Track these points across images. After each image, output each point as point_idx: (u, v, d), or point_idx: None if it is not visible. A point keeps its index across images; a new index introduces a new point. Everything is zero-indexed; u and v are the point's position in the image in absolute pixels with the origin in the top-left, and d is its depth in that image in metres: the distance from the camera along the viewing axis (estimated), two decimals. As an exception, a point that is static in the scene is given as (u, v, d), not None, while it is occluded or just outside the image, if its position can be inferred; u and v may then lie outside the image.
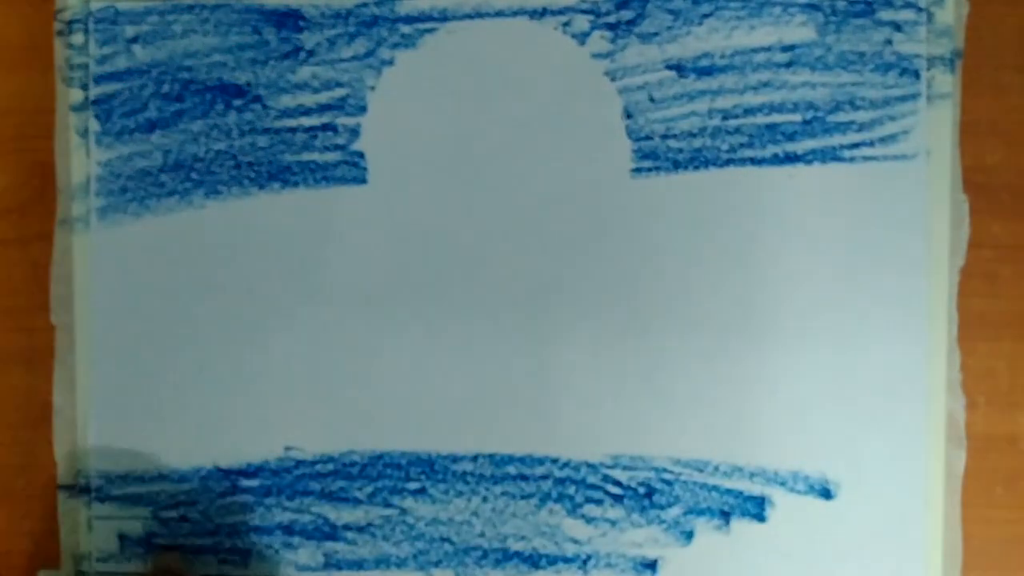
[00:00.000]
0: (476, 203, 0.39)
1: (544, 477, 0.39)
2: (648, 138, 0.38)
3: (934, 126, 0.38)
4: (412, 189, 0.39)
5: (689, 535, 0.38)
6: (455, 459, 0.39)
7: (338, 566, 0.39)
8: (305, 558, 0.39)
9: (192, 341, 0.39)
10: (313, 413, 0.39)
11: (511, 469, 0.39)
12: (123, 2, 0.39)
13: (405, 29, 0.39)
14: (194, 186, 0.39)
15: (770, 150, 0.38)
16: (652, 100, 0.38)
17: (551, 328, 0.38)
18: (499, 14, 0.38)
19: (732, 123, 0.38)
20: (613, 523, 0.39)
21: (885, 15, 0.38)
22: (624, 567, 0.39)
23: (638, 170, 0.38)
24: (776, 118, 0.38)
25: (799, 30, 0.38)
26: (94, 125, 0.39)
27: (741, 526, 0.38)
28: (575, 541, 0.39)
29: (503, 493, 0.39)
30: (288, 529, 0.39)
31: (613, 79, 0.38)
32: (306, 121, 0.39)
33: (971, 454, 0.38)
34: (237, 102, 0.39)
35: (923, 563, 0.38)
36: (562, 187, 0.38)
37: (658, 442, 0.38)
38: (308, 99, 0.39)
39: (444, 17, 0.38)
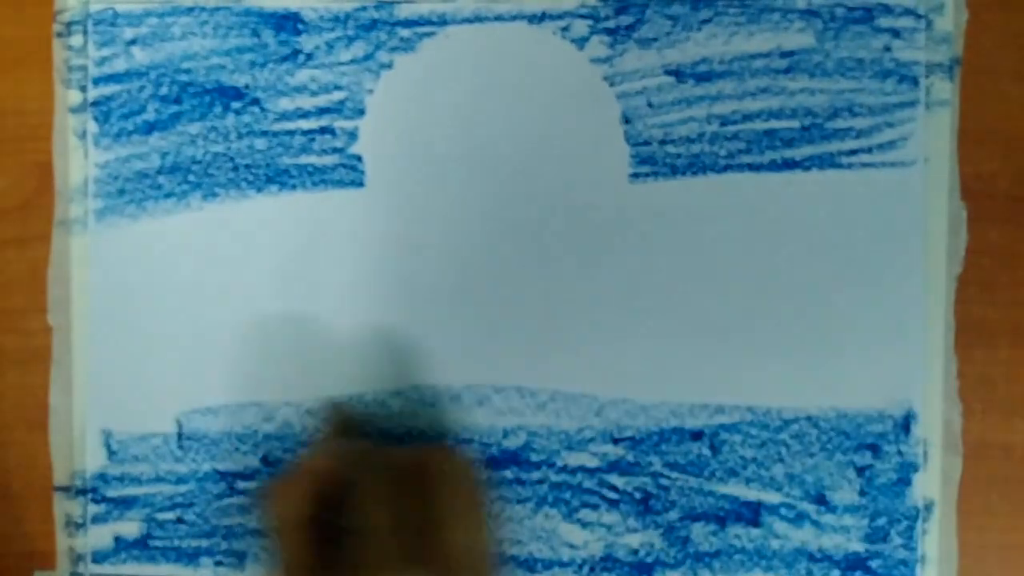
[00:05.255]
0: (474, 207, 0.39)
1: (540, 482, 0.39)
2: (646, 143, 0.38)
3: (932, 133, 0.38)
4: (409, 193, 0.39)
5: (685, 540, 0.38)
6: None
7: (334, 569, 0.39)
8: (301, 561, 0.39)
9: (189, 343, 0.39)
10: (312, 417, 0.39)
11: (508, 473, 0.39)
12: (122, 4, 0.39)
13: (404, 33, 0.38)
14: (192, 188, 0.39)
15: (768, 156, 0.38)
16: (651, 105, 0.38)
17: (549, 332, 0.38)
18: (498, 18, 0.38)
19: (730, 129, 0.38)
20: (609, 528, 0.39)
21: (884, 22, 0.38)
22: (620, 572, 0.38)
23: (636, 175, 0.38)
24: (775, 124, 0.38)
25: (798, 36, 0.38)
26: (92, 127, 0.39)
27: (736, 531, 0.38)
28: (571, 546, 0.39)
29: (499, 497, 0.39)
30: (284, 532, 0.39)
31: (612, 84, 0.38)
32: (304, 124, 0.39)
33: (968, 461, 0.38)
34: (235, 105, 0.39)
35: (918, 570, 0.38)
36: (560, 192, 0.38)
37: (654, 448, 0.38)
38: (306, 102, 0.39)
39: (443, 21, 0.38)
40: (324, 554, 0.32)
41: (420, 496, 0.32)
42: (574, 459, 0.39)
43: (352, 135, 0.39)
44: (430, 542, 0.32)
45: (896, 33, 0.38)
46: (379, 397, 0.39)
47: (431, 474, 0.33)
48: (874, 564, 0.38)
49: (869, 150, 0.38)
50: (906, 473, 0.38)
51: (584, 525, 0.39)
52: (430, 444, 0.37)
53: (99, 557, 0.39)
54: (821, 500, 0.38)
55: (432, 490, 0.33)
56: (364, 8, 0.39)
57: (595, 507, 0.39)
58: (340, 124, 0.39)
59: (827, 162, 0.38)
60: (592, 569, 0.39)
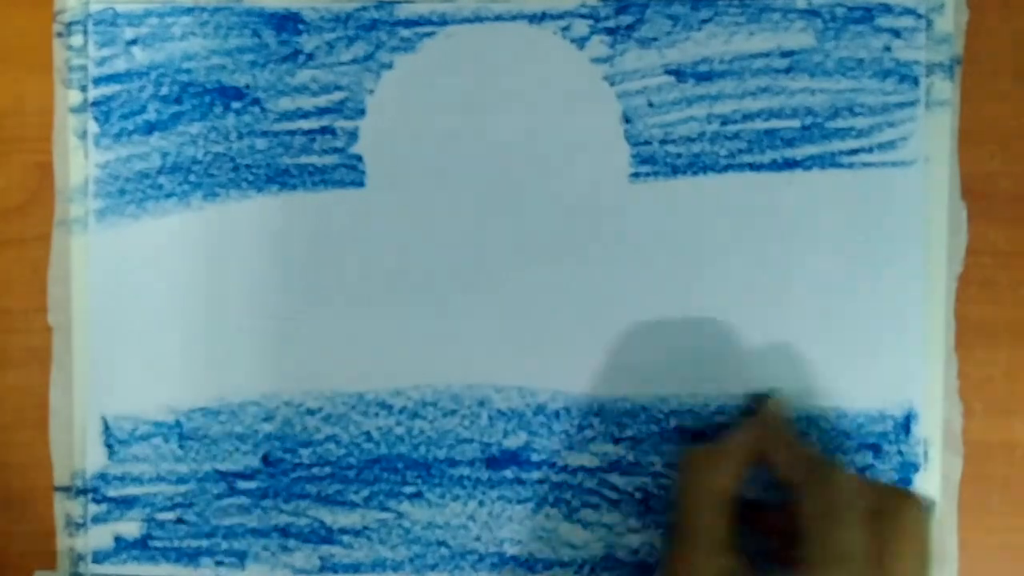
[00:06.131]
0: (474, 207, 0.39)
1: (541, 482, 0.39)
2: (647, 143, 0.38)
3: (933, 133, 0.38)
4: (410, 192, 0.39)
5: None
6: (452, 463, 0.39)
7: (334, 569, 0.39)
8: (301, 561, 0.39)
9: (189, 344, 0.39)
10: (312, 416, 0.39)
11: (508, 473, 0.39)
12: (122, 4, 0.39)
13: (404, 33, 0.39)
14: (192, 188, 0.39)
15: (769, 156, 0.38)
16: (651, 105, 0.38)
17: (549, 332, 0.38)
18: (498, 18, 0.38)
19: (731, 128, 0.38)
20: (610, 528, 0.39)
21: (884, 22, 0.38)
22: (621, 572, 0.38)
23: (636, 175, 0.38)
24: (775, 124, 0.38)
25: (798, 36, 0.38)
26: (93, 127, 0.39)
27: (737, 532, 0.38)
28: (572, 546, 0.39)
29: (499, 497, 0.39)
30: (284, 532, 0.39)
31: (612, 84, 0.38)
32: (305, 124, 0.39)
33: (968, 461, 0.38)
34: (236, 105, 0.39)
35: (919, 570, 0.38)
36: (560, 191, 0.38)
37: (654, 448, 0.38)
38: (307, 102, 0.39)
39: (443, 21, 0.38)
40: (739, 538, 0.33)
41: (875, 533, 0.32)
42: (574, 459, 0.39)
43: (352, 135, 0.39)
44: None
45: (896, 33, 0.38)
46: (379, 397, 0.39)
47: (893, 515, 0.32)
48: (874, 564, 0.38)
49: (869, 150, 0.38)
50: (906, 473, 0.38)
51: (585, 525, 0.39)
52: (891, 483, 0.37)
53: (99, 557, 0.39)
54: (821, 500, 0.38)
55: (891, 533, 0.32)
56: (364, 8, 0.39)
57: (596, 507, 0.39)
58: (340, 124, 0.39)
59: (827, 162, 0.38)
60: (593, 569, 0.39)
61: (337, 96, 0.39)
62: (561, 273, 0.38)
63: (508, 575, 0.39)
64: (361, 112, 0.39)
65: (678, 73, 0.38)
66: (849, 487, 0.32)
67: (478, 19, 0.38)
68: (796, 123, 0.38)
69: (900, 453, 0.38)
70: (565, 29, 0.38)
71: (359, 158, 0.39)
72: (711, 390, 0.38)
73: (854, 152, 0.38)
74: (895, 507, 0.32)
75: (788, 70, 0.38)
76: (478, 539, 0.39)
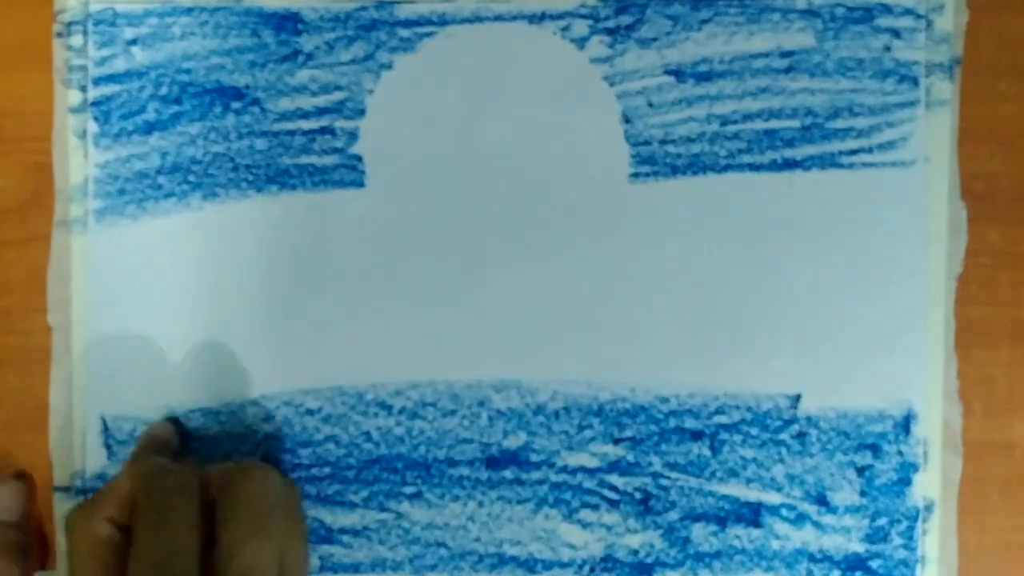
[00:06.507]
0: (474, 207, 0.39)
1: (540, 482, 0.39)
2: (646, 143, 0.38)
3: (933, 133, 0.38)
4: (410, 193, 0.39)
5: (685, 541, 0.38)
6: (452, 463, 0.39)
7: (334, 569, 0.39)
8: (301, 561, 0.39)
9: (189, 344, 0.39)
10: (311, 417, 0.39)
11: (507, 474, 0.39)
12: (122, 4, 0.39)
13: (404, 33, 0.39)
14: (192, 188, 0.39)
15: (768, 156, 0.38)
16: (651, 105, 0.38)
17: (549, 332, 0.38)
18: (498, 18, 0.38)
19: (731, 129, 0.38)
20: (609, 528, 0.39)
21: (884, 22, 0.38)
22: (621, 572, 0.38)
23: (636, 175, 0.38)
24: (775, 124, 0.38)
25: (798, 36, 0.38)
26: (92, 127, 0.39)
27: (737, 531, 0.38)
28: (572, 546, 0.39)
29: (499, 498, 0.39)
30: (284, 532, 0.39)
31: (612, 84, 0.38)
32: (304, 124, 0.39)
33: (967, 461, 0.38)
34: (235, 105, 0.39)
35: (918, 570, 0.38)
36: (560, 192, 0.38)
37: (654, 448, 0.38)
38: (306, 102, 0.39)
39: (443, 21, 0.38)
40: None
41: (220, 516, 0.32)
42: (574, 459, 0.39)
43: (352, 135, 0.39)
44: (224, 565, 0.31)
45: (896, 33, 0.38)
46: (379, 397, 0.39)
47: (233, 493, 0.33)
48: (874, 564, 0.38)
49: (869, 150, 0.38)
50: (906, 473, 0.38)
51: (584, 525, 0.39)
52: (238, 462, 0.36)
53: (99, 557, 0.39)
54: (822, 500, 0.38)
55: (231, 509, 0.32)
56: (364, 8, 0.39)
57: (595, 507, 0.39)
58: (340, 124, 0.39)
59: (827, 162, 0.38)
60: (592, 569, 0.39)
61: (337, 96, 0.39)
62: (561, 273, 0.38)
63: (508, 575, 0.39)
64: (361, 112, 0.39)
65: (678, 73, 0.38)
66: (180, 485, 0.32)
67: (478, 19, 0.38)
68: (796, 123, 0.38)
69: (900, 453, 0.38)
70: (565, 29, 0.38)
71: (359, 158, 0.39)
72: (712, 390, 0.38)
73: (854, 152, 0.38)
74: (229, 483, 0.33)
75: (788, 70, 0.38)
76: (478, 540, 0.39)
